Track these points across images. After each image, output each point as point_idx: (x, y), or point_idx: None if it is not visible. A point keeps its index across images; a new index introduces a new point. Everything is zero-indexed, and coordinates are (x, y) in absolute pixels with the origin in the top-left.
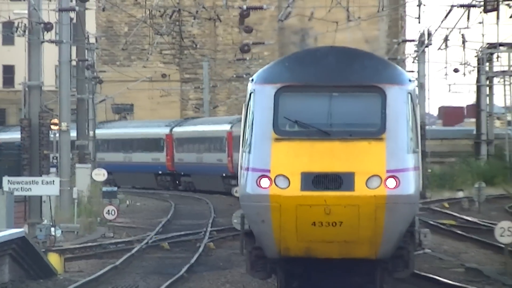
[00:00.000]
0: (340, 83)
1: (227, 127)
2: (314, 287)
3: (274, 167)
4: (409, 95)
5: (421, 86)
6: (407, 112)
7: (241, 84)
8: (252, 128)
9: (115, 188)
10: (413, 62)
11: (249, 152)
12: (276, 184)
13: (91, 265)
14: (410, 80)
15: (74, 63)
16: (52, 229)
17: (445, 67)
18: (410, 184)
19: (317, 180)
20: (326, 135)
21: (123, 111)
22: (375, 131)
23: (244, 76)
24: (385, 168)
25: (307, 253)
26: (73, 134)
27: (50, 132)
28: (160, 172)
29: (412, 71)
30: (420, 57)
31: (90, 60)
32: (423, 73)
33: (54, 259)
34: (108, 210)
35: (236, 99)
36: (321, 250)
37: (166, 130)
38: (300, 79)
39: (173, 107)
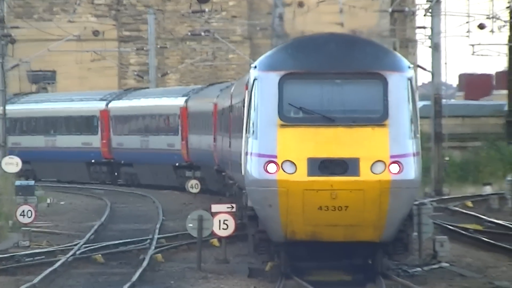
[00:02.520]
0: (342, 70)
1: (101, 104)
2: (316, 269)
3: (281, 153)
4: (409, 82)
5: (436, 47)
6: (408, 98)
7: (198, 44)
8: (257, 115)
9: (32, 182)
10: (425, 15)
11: (255, 138)
12: (283, 170)
13: (1, 284)
14: (409, 67)
15: None
16: None
17: (467, 22)
18: (412, 169)
19: (323, 166)
20: (330, 121)
21: (43, 80)
22: (378, 117)
23: (203, 34)
24: (389, 154)
25: (313, 237)
26: None
27: None
28: None
29: (424, 27)
30: (434, 9)
31: None
32: (438, 30)
33: None
34: (23, 211)
35: (191, 64)
36: (326, 233)
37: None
38: (303, 66)
39: (108, 75)
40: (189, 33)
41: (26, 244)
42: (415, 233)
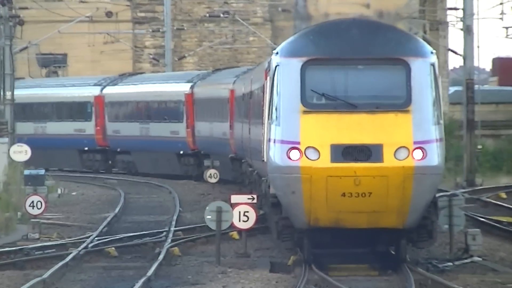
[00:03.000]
0: (365, 56)
1: (96, 90)
2: (338, 257)
3: (304, 139)
4: (432, 67)
5: (468, 29)
6: (431, 84)
7: (217, 26)
8: (279, 101)
9: (42, 171)
10: None
11: (278, 124)
12: (306, 156)
13: (9, 278)
14: (432, 53)
15: None
16: None
17: (501, 4)
18: (436, 155)
19: (346, 152)
20: (353, 107)
21: (53, 64)
22: (401, 103)
23: (222, 15)
24: (412, 140)
25: (336, 224)
26: None
27: None
28: None
29: (456, 9)
30: None
31: None
32: (470, 12)
33: None
34: (33, 202)
35: (210, 48)
36: (350, 220)
37: None
38: (325, 52)
39: (123, 58)
40: (208, 15)
41: (35, 236)
42: (446, 226)
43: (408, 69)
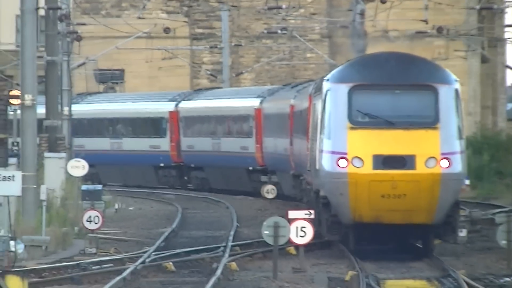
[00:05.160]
0: (401, 82)
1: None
2: (378, 248)
3: (351, 151)
4: (456, 92)
5: None
6: (455, 106)
7: (275, 42)
8: (330, 119)
9: (100, 186)
10: None
11: (328, 138)
12: (352, 164)
13: None
14: (456, 80)
15: (42, 12)
16: (11, 242)
17: None
18: (459, 164)
19: (385, 161)
20: (391, 124)
21: (110, 80)
22: (430, 121)
23: (279, 31)
24: (440, 151)
25: (376, 220)
26: (41, 111)
27: (8, 108)
28: None
29: None
30: None
31: (64, 8)
32: None
33: (14, 284)
34: (90, 217)
35: (267, 64)
36: (387, 217)
37: None
38: (368, 79)
39: (180, 74)
40: (265, 31)
41: (92, 251)
42: (504, 241)
43: (436, 94)
